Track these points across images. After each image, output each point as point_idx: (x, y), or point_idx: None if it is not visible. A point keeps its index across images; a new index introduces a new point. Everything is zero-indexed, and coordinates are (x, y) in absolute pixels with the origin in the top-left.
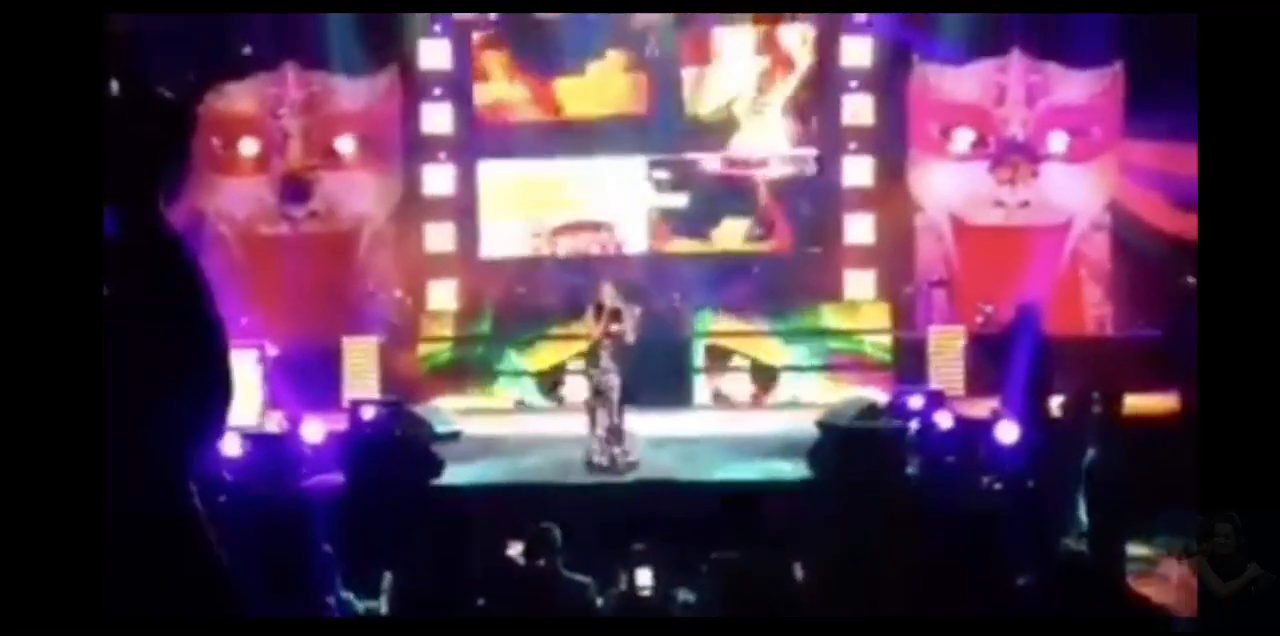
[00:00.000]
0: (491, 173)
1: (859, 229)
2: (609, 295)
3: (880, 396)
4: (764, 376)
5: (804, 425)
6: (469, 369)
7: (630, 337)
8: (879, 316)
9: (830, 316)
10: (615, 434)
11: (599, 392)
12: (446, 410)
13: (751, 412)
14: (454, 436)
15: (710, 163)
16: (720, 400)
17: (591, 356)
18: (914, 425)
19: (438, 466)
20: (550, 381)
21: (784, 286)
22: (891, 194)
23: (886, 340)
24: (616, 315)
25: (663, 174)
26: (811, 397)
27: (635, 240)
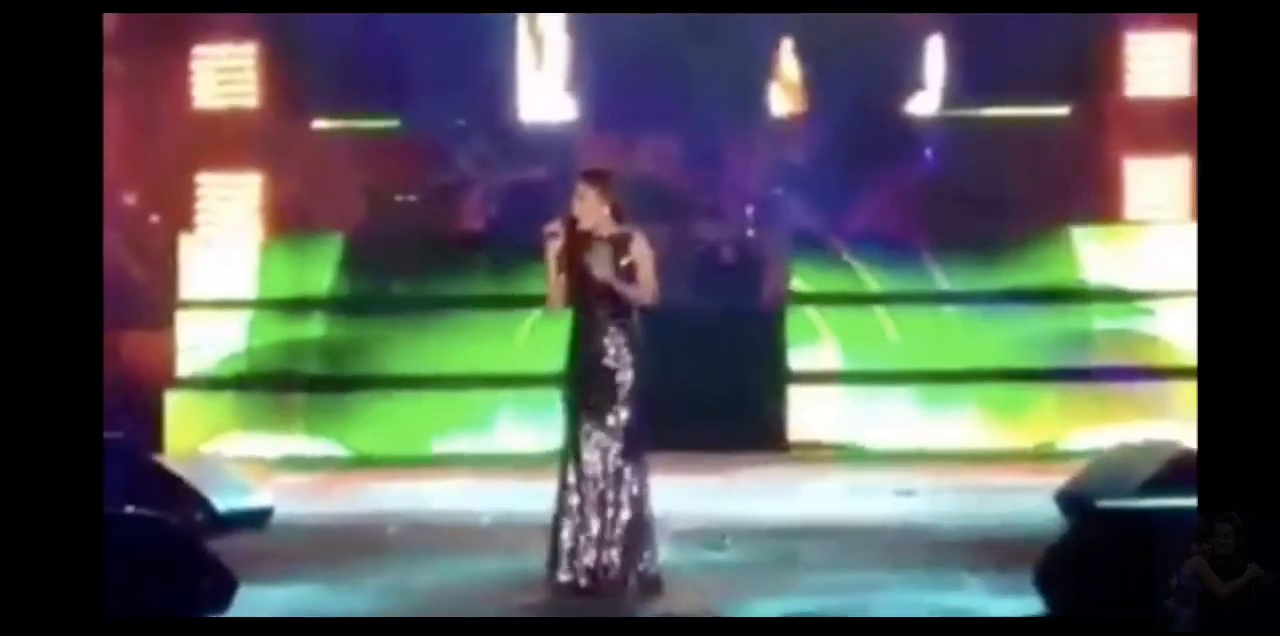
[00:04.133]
0: None
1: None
2: (589, 205)
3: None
4: (948, 392)
5: (1029, 500)
6: (286, 373)
7: (646, 300)
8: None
9: (1091, 262)
10: (623, 523)
11: (586, 425)
12: (239, 464)
13: (913, 472)
14: (257, 519)
15: None
16: (850, 438)
17: (583, 342)
18: None
19: (223, 588)
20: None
21: (993, 188)
22: None
23: None
24: (613, 247)
25: None
26: (1050, 437)
27: None
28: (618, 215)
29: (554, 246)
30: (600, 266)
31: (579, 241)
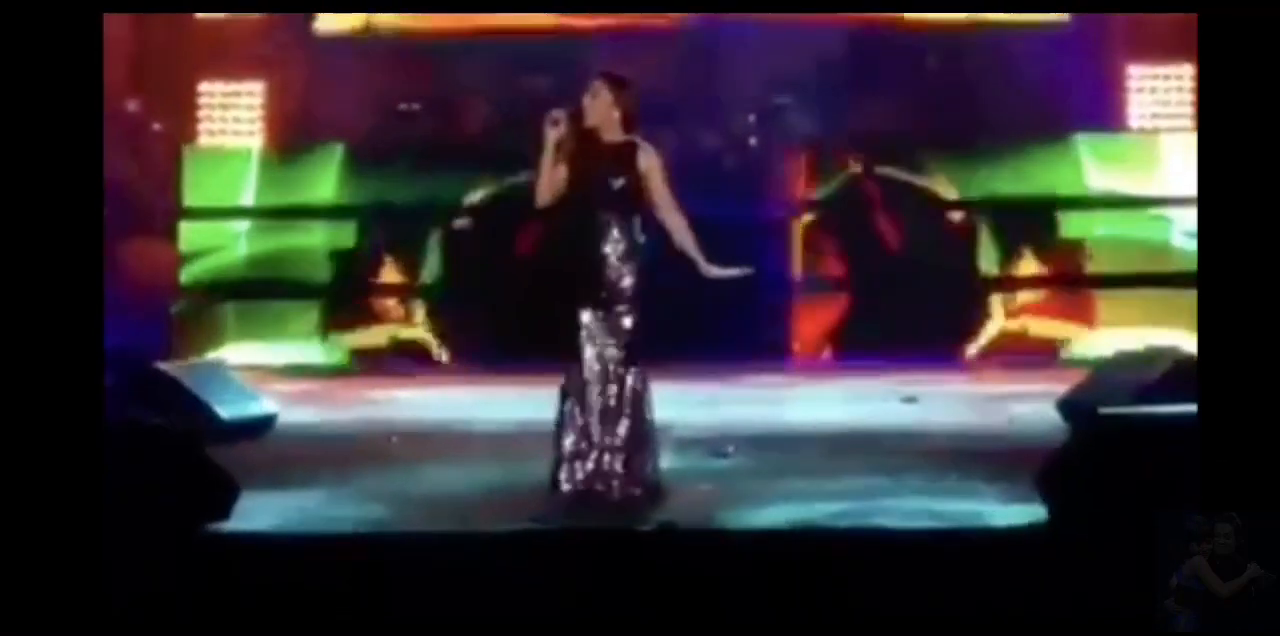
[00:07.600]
0: None
1: None
2: (600, 105)
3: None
4: (952, 299)
5: (1032, 407)
6: (288, 281)
7: (660, 196)
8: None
9: (1094, 169)
10: (625, 430)
11: (588, 331)
12: (241, 372)
13: (916, 379)
14: (259, 427)
15: None
16: (855, 343)
17: (585, 246)
18: None
19: (225, 494)
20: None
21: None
22: None
23: None
24: (619, 157)
25: None
26: (1053, 343)
27: None
28: (628, 125)
29: (553, 134)
30: (620, 177)
31: (582, 137)
